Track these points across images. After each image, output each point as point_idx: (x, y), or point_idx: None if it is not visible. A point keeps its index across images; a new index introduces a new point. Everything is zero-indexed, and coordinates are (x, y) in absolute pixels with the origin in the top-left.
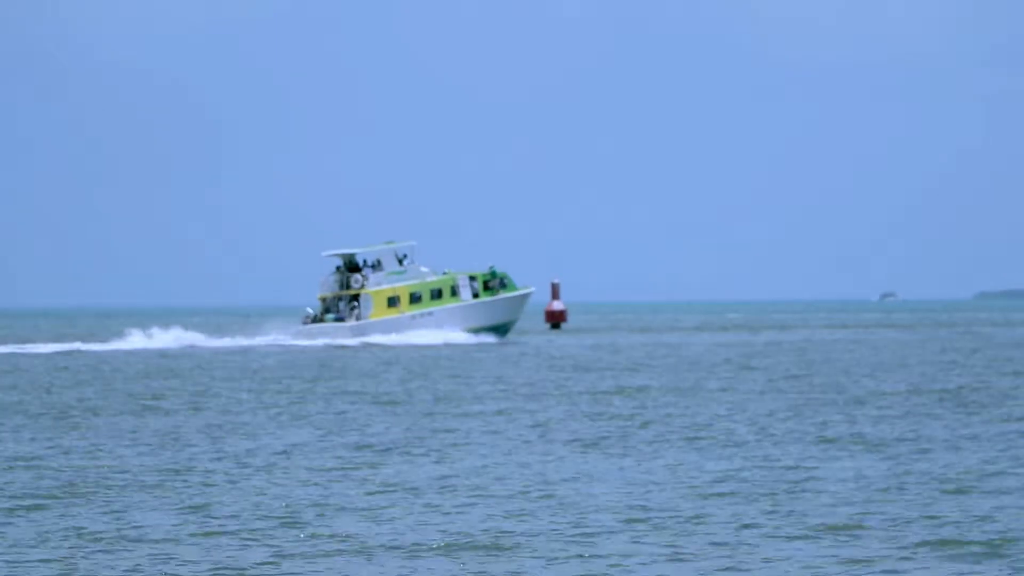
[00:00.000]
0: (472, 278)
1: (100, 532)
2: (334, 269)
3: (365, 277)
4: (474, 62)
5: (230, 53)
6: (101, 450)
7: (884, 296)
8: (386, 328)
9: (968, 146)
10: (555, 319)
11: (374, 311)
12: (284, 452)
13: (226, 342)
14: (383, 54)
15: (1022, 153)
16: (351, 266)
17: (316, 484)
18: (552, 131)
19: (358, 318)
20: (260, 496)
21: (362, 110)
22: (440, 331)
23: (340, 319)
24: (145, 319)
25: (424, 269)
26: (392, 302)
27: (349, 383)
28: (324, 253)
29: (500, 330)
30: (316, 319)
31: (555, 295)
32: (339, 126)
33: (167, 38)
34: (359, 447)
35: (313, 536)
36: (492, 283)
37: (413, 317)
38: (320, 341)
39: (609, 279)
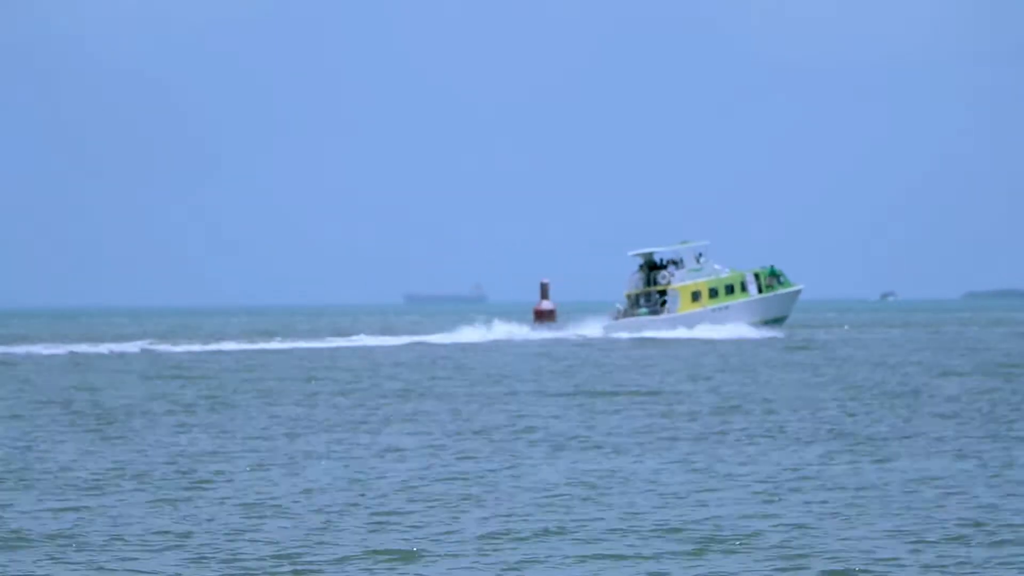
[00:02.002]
0: (756, 275)
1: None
2: (637, 267)
3: (671, 274)
4: (464, 63)
5: (219, 53)
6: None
7: (884, 296)
8: (691, 321)
9: (951, 145)
10: (544, 318)
11: (680, 305)
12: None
13: (544, 335)
14: (372, 54)
15: (1006, 151)
16: (651, 264)
17: None
18: (547, 131)
19: (667, 312)
20: None
21: (350, 110)
22: (735, 324)
23: (653, 312)
24: (145, 319)
25: (717, 266)
26: (695, 297)
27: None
28: (629, 253)
29: (778, 323)
30: (627, 313)
31: (544, 295)
32: (327, 126)
33: (158, 39)
34: None
35: None
36: (770, 280)
37: (713, 311)
38: (634, 334)
39: (607, 279)
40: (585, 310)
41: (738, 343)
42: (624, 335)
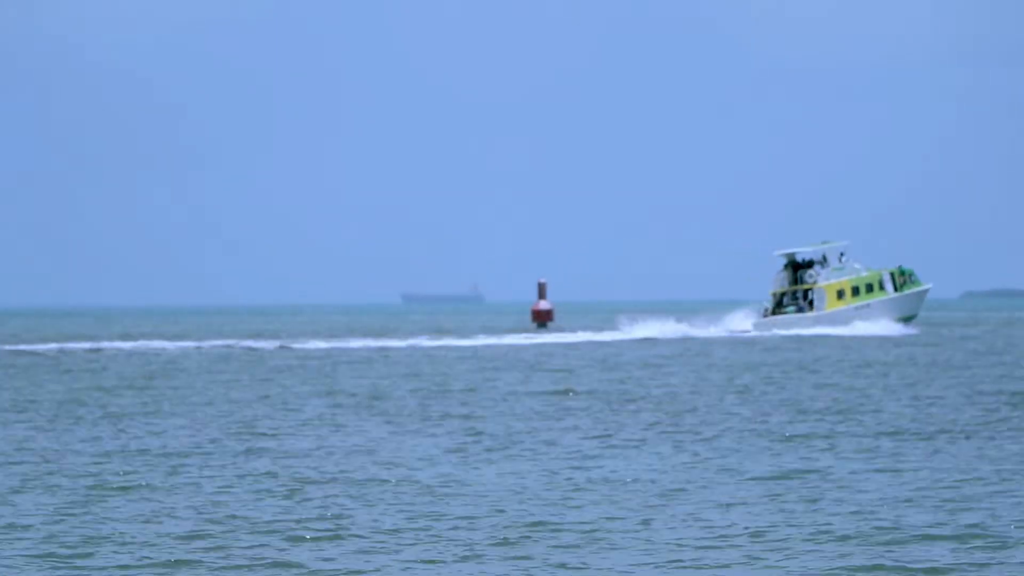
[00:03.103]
0: (892, 274)
1: None
2: (782, 267)
3: (817, 273)
4: (462, 62)
5: (217, 53)
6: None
7: None
8: (836, 320)
9: (950, 145)
10: (541, 318)
11: (827, 303)
12: None
13: (705, 332)
14: (370, 54)
15: (1006, 151)
16: (794, 264)
17: None
18: (545, 131)
19: (815, 310)
20: None
21: (347, 110)
22: (876, 322)
23: (800, 311)
24: (143, 319)
25: (857, 265)
26: (840, 295)
27: None
28: (775, 253)
29: (909, 320)
30: (774, 311)
31: (542, 295)
32: (325, 126)
33: (157, 39)
34: None
35: None
36: (901, 279)
37: (857, 309)
38: (787, 332)
39: (603, 278)
40: (584, 310)
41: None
42: (775, 333)
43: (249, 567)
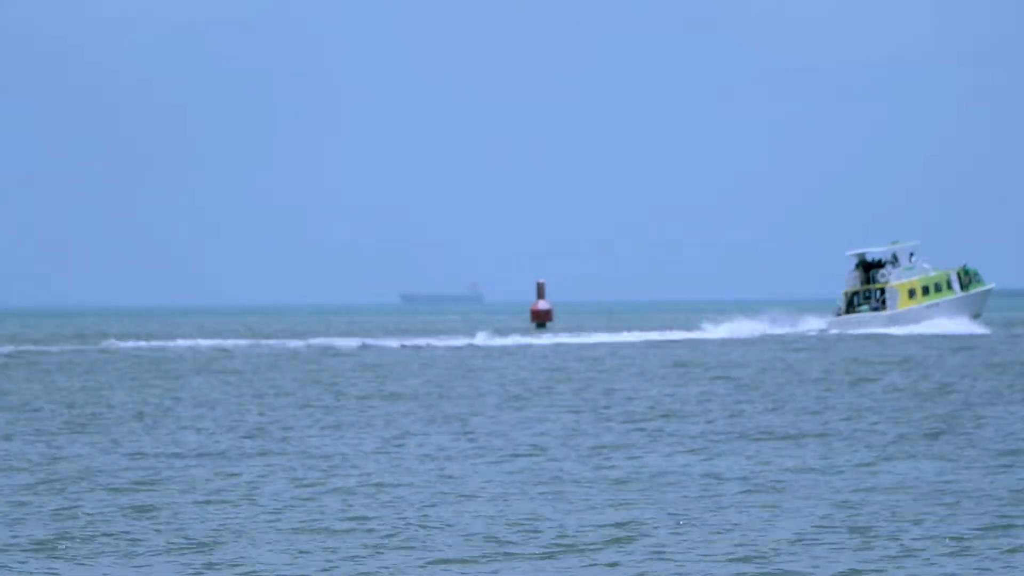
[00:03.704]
0: (958, 273)
1: None
2: (853, 267)
3: (888, 273)
4: (461, 62)
5: (216, 53)
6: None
7: None
8: (910, 318)
9: (949, 144)
10: (540, 318)
11: (899, 303)
12: None
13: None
14: (369, 54)
15: (1005, 151)
16: (865, 264)
17: None
18: (544, 131)
19: (888, 309)
20: None
21: (346, 110)
22: (951, 320)
23: (875, 310)
24: (143, 319)
25: (926, 265)
26: (911, 294)
27: None
28: (847, 253)
29: (976, 319)
30: (846, 311)
31: (540, 295)
32: (324, 126)
33: (156, 39)
34: None
35: None
36: (966, 279)
37: (928, 307)
38: (863, 331)
39: (602, 278)
40: (583, 310)
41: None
42: (850, 331)
43: None
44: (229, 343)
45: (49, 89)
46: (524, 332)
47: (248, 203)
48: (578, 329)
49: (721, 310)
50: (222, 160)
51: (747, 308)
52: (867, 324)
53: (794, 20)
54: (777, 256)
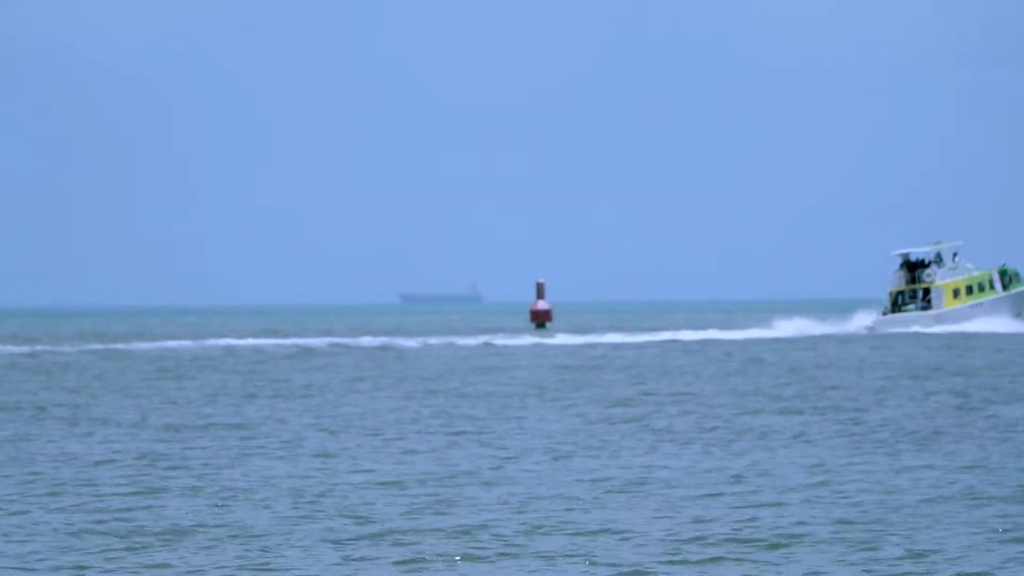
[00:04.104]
0: (1000, 273)
1: None
2: (898, 267)
3: (933, 272)
4: (461, 62)
5: (215, 54)
6: None
7: None
8: (955, 318)
9: (950, 144)
10: (540, 318)
11: (944, 302)
12: None
13: (836, 329)
14: (368, 54)
15: (1004, 151)
16: (909, 264)
17: None
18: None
19: (934, 308)
20: None
21: (346, 110)
22: (996, 319)
23: (922, 309)
24: (142, 319)
25: (969, 265)
26: (956, 294)
27: None
28: (892, 253)
29: (1017, 318)
30: (892, 310)
31: (540, 295)
32: (323, 126)
33: (155, 40)
34: None
35: None
36: (1006, 279)
37: (972, 307)
38: (910, 329)
39: (602, 278)
40: (583, 310)
41: None
42: (897, 330)
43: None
44: (315, 342)
45: (49, 89)
46: (599, 332)
47: (248, 203)
48: (658, 328)
49: (721, 310)
50: (222, 160)
51: (748, 308)
52: (912, 323)
53: (794, 20)
54: (777, 256)
